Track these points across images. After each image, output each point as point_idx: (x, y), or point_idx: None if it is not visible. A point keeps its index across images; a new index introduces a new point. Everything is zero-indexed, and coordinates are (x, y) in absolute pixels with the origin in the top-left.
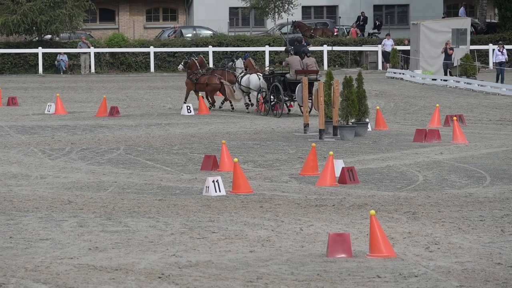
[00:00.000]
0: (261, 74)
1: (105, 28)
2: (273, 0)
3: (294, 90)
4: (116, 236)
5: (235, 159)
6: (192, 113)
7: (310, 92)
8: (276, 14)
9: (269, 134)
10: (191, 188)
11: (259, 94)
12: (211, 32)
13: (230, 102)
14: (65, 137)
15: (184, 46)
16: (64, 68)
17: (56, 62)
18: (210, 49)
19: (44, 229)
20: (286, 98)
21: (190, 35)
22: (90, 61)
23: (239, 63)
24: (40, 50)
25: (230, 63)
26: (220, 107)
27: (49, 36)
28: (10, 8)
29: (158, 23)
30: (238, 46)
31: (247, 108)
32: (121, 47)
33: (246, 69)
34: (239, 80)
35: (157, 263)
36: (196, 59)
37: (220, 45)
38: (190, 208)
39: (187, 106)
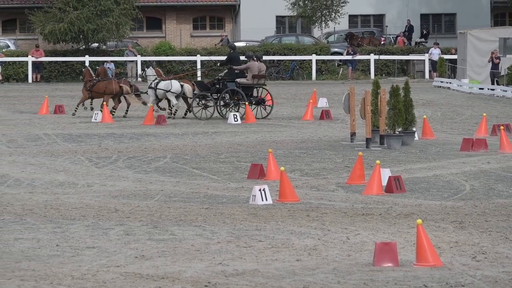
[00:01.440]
0: (184, 81)
1: (152, 37)
2: (320, 9)
3: (248, 94)
4: (162, 244)
5: (282, 168)
6: (239, 121)
7: (252, 95)
8: (323, 22)
9: (315, 143)
10: (237, 196)
11: (193, 100)
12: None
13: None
14: (112, 146)
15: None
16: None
17: None
18: None
19: (91, 237)
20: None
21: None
22: (136, 69)
23: (150, 71)
24: (87, 58)
25: (142, 72)
26: (124, 116)
27: (96, 44)
28: (57, 17)
29: (205, 32)
30: (284, 54)
31: (157, 111)
32: (168, 55)
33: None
34: (154, 86)
35: (203, 272)
36: (97, 68)
37: (266, 53)
38: (237, 217)
39: (233, 115)
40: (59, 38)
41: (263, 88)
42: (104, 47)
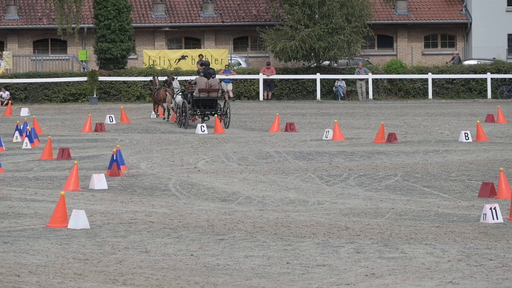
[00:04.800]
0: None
1: (383, 55)
2: None
3: (199, 105)
4: (393, 262)
5: None
6: (470, 139)
7: (212, 107)
8: None
9: None
10: (468, 215)
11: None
12: None
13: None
14: (342, 163)
15: (463, 73)
16: (342, 94)
17: (334, 88)
18: (488, 76)
19: (321, 255)
20: (194, 112)
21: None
22: (367, 88)
23: (175, 83)
24: (318, 76)
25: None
26: (164, 118)
27: (327, 62)
28: (288, 34)
29: (436, 50)
30: None
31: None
32: (399, 73)
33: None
34: (175, 97)
35: None
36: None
37: (498, 72)
38: (467, 235)
39: (465, 133)
40: (290, 56)
41: (226, 100)
42: (335, 65)
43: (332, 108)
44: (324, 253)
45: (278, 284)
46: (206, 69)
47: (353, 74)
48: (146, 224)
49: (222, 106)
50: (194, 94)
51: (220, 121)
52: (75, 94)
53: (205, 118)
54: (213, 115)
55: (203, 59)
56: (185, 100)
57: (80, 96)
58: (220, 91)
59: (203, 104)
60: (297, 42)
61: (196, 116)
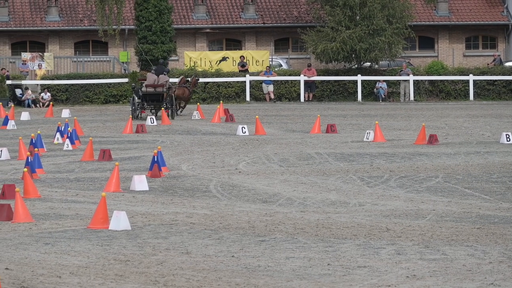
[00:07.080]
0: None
1: (424, 56)
2: None
3: (146, 99)
4: (434, 264)
5: None
6: (511, 141)
7: (158, 101)
8: None
9: None
10: (510, 216)
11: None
12: None
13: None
14: (383, 165)
15: (504, 74)
16: (383, 96)
17: (375, 89)
18: None
19: (362, 257)
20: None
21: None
22: (409, 89)
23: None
24: (359, 78)
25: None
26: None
27: (368, 63)
28: (329, 36)
29: (478, 51)
30: None
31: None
32: (440, 75)
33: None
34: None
35: None
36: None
37: None
38: (509, 237)
39: (506, 135)
40: (331, 57)
41: (172, 96)
42: (376, 66)
43: (373, 110)
44: (365, 255)
45: (319, 286)
46: (158, 67)
47: (394, 75)
48: (187, 225)
49: (167, 101)
50: (141, 89)
51: (167, 113)
52: (116, 96)
53: (152, 111)
54: (158, 108)
55: (244, 60)
56: (134, 95)
57: (121, 97)
58: (166, 87)
59: (150, 98)
60: (338, 44)
61: (144, 110)
